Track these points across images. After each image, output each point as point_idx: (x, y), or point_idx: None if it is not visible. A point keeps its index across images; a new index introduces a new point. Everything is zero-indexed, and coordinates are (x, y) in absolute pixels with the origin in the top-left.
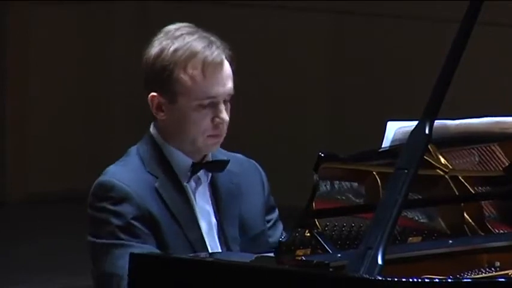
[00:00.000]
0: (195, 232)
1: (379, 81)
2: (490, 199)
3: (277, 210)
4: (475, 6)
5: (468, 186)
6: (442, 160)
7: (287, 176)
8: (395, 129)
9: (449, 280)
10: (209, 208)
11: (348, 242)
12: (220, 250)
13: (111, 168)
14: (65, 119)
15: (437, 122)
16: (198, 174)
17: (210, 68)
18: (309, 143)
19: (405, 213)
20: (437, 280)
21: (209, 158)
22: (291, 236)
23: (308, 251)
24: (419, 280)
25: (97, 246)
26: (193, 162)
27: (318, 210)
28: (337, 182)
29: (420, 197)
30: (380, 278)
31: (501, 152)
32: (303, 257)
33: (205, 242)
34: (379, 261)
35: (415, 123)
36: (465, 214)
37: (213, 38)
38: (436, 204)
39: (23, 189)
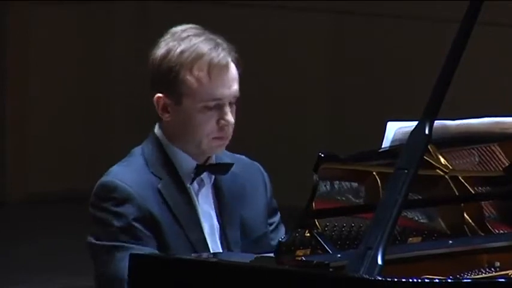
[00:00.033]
0: (197, 233)
1: (379, 81)
2: (490, 199)
3: (279, 213)
4: (475, 6)
5: (468, 187)
6: (442, 160)
7: (287, 176)
8: (395, 130)
9: (449, 280)
10: (211, 210)
11: (347, 242)
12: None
13: (114, 169)
14: (65, 119)
15: (437, 122)
16: (202, 176)
17: (216, 70)
18: (309, 143)
19: (405, 214)
20: (437, 280)
21: (213, 160)
22: (290, 236)
23: (308, 251)
24: (419, 280)
25: (98, 248)
26: (197, 164)
27: (318, 210)
28: (337, 182)
29: (420, 197)
30: (380, 278)
31: (501, 152)
32: (303, 257)
33: (207, 244)
34: (379, 262)
35: (415, 123)
36: (465, 214)
37: (219, 40)
38: (436, 205)
39: (23, 189)
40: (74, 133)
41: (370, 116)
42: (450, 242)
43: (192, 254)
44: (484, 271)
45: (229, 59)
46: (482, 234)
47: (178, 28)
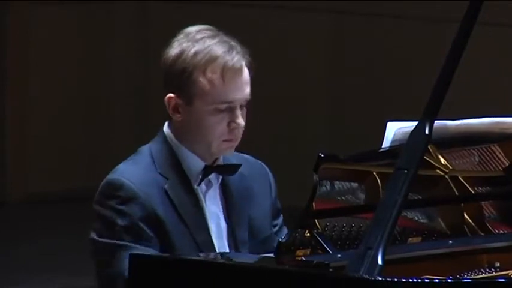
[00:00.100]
0: (203, 234)
1: (379, 81)
2: (490, 199)
3: (281, 215)
4: (475, 6)
5: (468, 187)
6: (442, 160)
7: (287, 176)
8: (395, 130)
9: (449, 280)
10: (219, 211)
11: (347, 242)
12: None
13: (121, 167)
14: (65, 119)
15: (437, 122)
16: (209, 177)
17: (230, 73)
18: (309, 143)
19: (405, 214)
20: (437, 280)
21: (220, 160)
22: (290, 236)
23: (308, 252)
24: (419, 280)
25: (100, 245)
26: (205, 165)
27: (318, 210)
28: (337, 182)
29: (420, 197)
30: (380, 278)
31: (501, 152)
32: (303, 257)
33: (213, 244)
34: (379, 262)
35: (415, 123)
36: (465, 214)
37: (233, 43)
38: (436, 205)
39: (23, 189)
40: (74, 133)
41: (370, 116)
42: (450, 242)
43: (191, 255)
44: (484, 271)
45: (243, 63)
46: (482, 234)
47: (193, 28)
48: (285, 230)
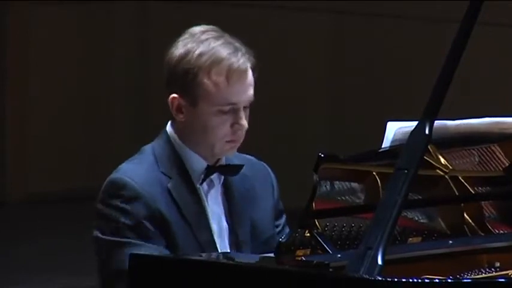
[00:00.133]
0: (206, 234)
1: (379, 81)
2: (490, 199)
3: (284, 215)
4: (475, 6)
5: (468, 187)
6: (442, 160)
7: (287, 176)
8: (395, 130)
9: (449, 280)
10: (220, 211)
11: (347, 242)
12: None
13: (124, 166)
14: (65, 119)
15: (437, 122)
16: (211, 177)
17: (235, 75)
18: (309, 143)
19: (405, 214)
20: (437, 280)
21: (223, 161)
22: (290, 236)
23: (308, 252)
24: (419, 280)
25: (104, 243)
26: (207, 165)
27: (318, 210)
28: (337, 182)
29: (420, 197)
30: (380, 278)
31: (501, 152)
32: (303, 257)
33: (215, 244)
34: (379, 262)
35: (415, 123)
36: (465, 214)
37: (238, 45)
38: (436, 205)
39: (23, 189)
40: (74, 133)
41: (370, 116)
42: (450, 242)
43: (191, 255)
44: (484, 271)
45: (248, 65)
46: (482, 234)
47: (197, 29)
48: (287, 230)
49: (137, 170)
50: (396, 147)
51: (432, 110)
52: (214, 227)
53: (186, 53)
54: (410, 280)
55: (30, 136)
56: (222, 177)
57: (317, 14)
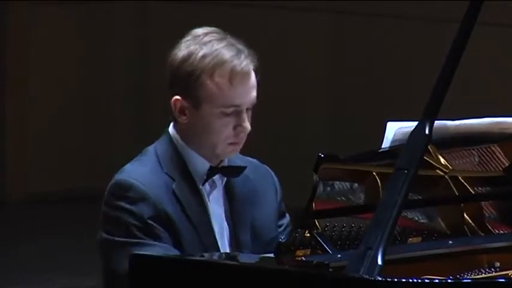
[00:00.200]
0: (210, 236)
1: (379, 81)
2: (490, 199)
3: (288, 216)
4: (475, 6)
5: (468, 187)
6: (442, 160)
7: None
8: (395, 130)
9: (449, 280)
10: (221, 212)
11: (347, 242)
12: None
13: (129, 167)
14: (65, 119)
15: (437, 123)
16: (214, 178)
17: (238, 77)
18: (309, 143)
19: (405, 214)
20: (437, 280)
21: (225, 162)
22: (290, 236)
23: (308, 252)
24: (419, 280)
25: (113, 244)
26: (210, 166)
27: (318, 210)
28: (337, 182)
29: (420, 197)
30: (380, 279)
31: (501, 152)
32: (303, 257)
33: (218, 245)
34: (379, 262)
35: (415, 123)
36: (465, 214)
37: (240, 46)
38: (436, 205)
39: (23, 189)
40: (74, 133)
41: (370, 116)
42: (450, 242)
43: (191, 255)
44: (484, 271)
45: (251, 67)
46: (482, 234)
47: (200, 31)
48: None
49: (142, 171)
50: (396, 147)
51: (432, 110)
52: (215, 228)
53: (189, 55)
54: (410, 280)
55: (30, 136)
56: (225, 178)
57: (317, 14)
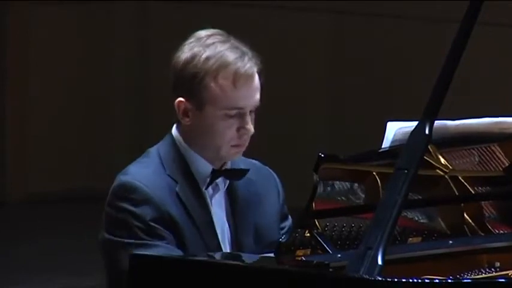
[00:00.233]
0: (213, 239)
1: (379, 81)
2: (490, 199)
3: (290, 218)
4: (475, 6)
5: (468, 187)
6: (442, 160)
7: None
8: (395, 130)
9: (449, 280)
10: (223, 215)
11: (347, 242)
12: None
13: (132, 168)
14: (65, 119)
15: (437, 122)
16: (217, 181)
17: (242, 80)
18: (309, 143)
19: (405, 214)
20: (437, 280)
21: (228, 165)
22: (290, 236)
23: (308, 252)
24: (419, 280)
25: (117, 245)
26: (213, 169)
27: (318, 210)
28: (337, 182)
29: (420, 197)
30: (380, 279)
31: (501, 152)
32: (303, 257)
33: (220, 248)
34: (379, 262)
35: (415, 123)
36: (465, 214)
37: (244, 49)
38: (436, 205)
39: (23, 189)
40: (74, 133)
41: (370, 116)
42: (450, 242)
43: (192, 255)
44: (484, 271)
45: (255, 70)
46: (482, 234)
47: (203, 33)
48: None
49: (146, 173)
50: (396, 147)
51: (432, 110)
52: (217, 231)
53: (193, 57)
54: (410, 280)
55: (30, 136)
56: (227, 181)
57: (317, 14)
